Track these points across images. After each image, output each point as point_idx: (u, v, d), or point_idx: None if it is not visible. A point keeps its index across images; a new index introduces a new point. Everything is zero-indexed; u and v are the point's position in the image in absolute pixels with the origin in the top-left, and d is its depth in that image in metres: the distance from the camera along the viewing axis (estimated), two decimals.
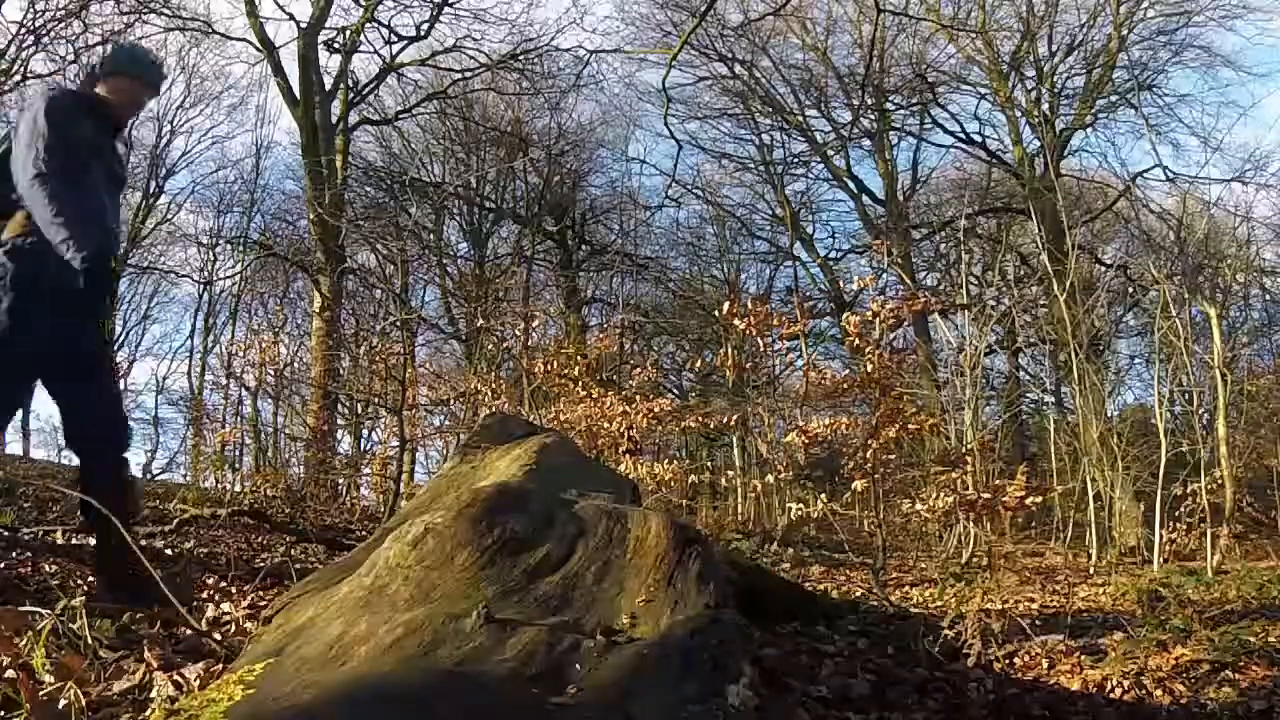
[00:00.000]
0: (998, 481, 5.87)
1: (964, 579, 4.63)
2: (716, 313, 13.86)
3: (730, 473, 10.55)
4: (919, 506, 5.23)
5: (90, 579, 3.58)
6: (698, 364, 12.21)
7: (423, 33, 14.84)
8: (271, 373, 10.29)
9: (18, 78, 14.31)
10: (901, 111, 17.48)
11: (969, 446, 6.80)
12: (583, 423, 7.26)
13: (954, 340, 8.63)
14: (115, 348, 2.86)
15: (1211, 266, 12.18)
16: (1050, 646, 3.55)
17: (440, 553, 1.65)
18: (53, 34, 13.82)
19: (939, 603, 4.51)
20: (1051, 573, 6.61)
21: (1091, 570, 6.60)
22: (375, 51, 15.06)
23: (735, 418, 9.02)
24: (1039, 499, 5.00)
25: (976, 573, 5.20)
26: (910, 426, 5.12)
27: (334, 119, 13.94)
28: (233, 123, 34.09)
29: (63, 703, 1.57)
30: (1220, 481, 6.66)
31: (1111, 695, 3.02)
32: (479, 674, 1.27)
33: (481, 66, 15.41)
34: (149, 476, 13.66)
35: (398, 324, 10.73)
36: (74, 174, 2.86)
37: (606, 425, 7.30)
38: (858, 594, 5.03)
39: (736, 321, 5.86)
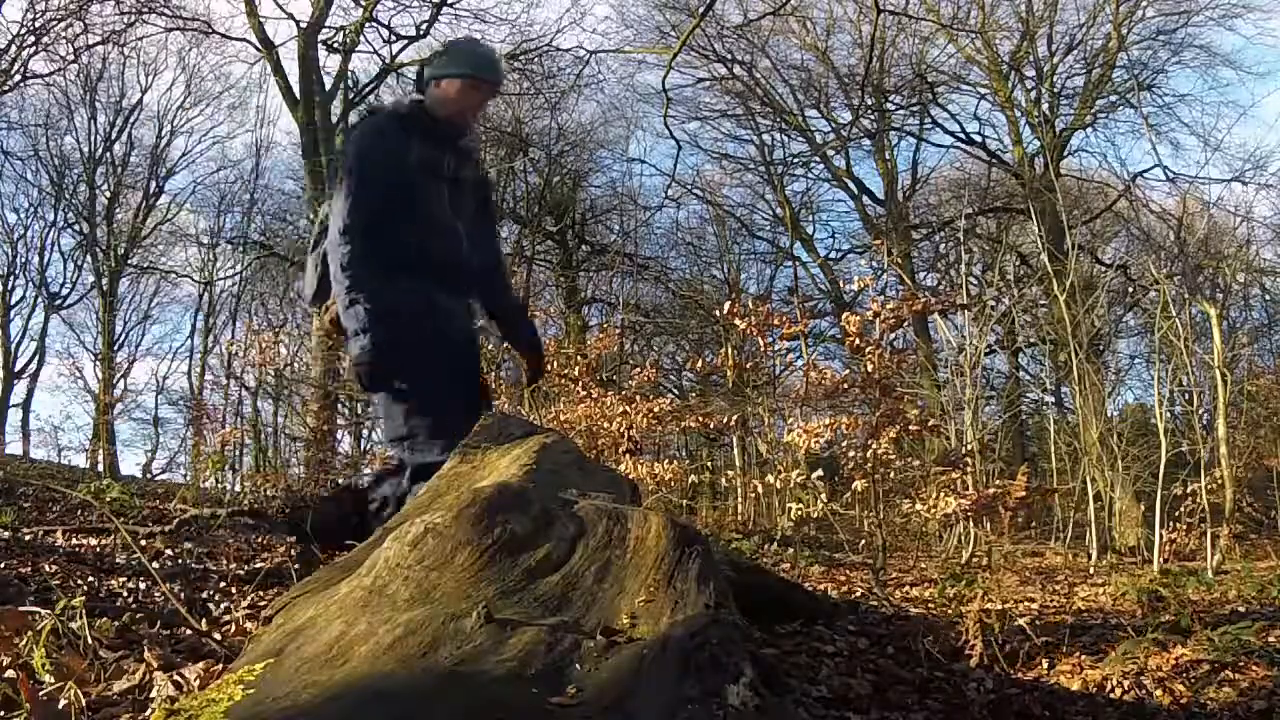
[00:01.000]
0: (998, 481, 5.88)
1: (964, 579, 4.63)
2: (717, 312, 13.87)
3: (730, 473, 10.55)
4: (919, 507, 5.23)
5: (90, 579, 3.59)
6: (698, 364, 12.21)
7: (422, 32, 14.85)
8: (271, 373, 10.29)
9: (18, 78, 14.34)
10: (901, 111, 17.49)
11: (969, 447, 6.80)
12: (583, 423, 7.26)
13: (954, 340, 8.63)
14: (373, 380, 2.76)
15: (1211, 266, 12.18)
16: (1050, 645, 3.55)
17: (440, 553, 1.65)
18: (53, 34, 13.86)
19: (939, 603, 4.51)
20: (1051, 573, 6.61)
21: (1091, 570, 6.60)
22: (375, 51, 15.09)
23: (735, 418, 9.02)
24: (1039, 499, 5.01)
25: (976, 573, 5.20)
26: (911, 428, 5.12)
27: (334, 119, 13.95)
28: (233, 123, 34.00)
29: (63, 703, 1.57)
30: (1220, 481, 6.66)
31: (1111, 695, 3.02)
32: (479, 674, 1.27)
33: None
34: (149, 476, 13.68)
35: None
36: (402, 212, 2.60)
37: (606, 425, 7.30)
38: (858, 594, 5.03)
39: (737, 321, 5.87)
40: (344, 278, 2.55)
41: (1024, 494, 4.83)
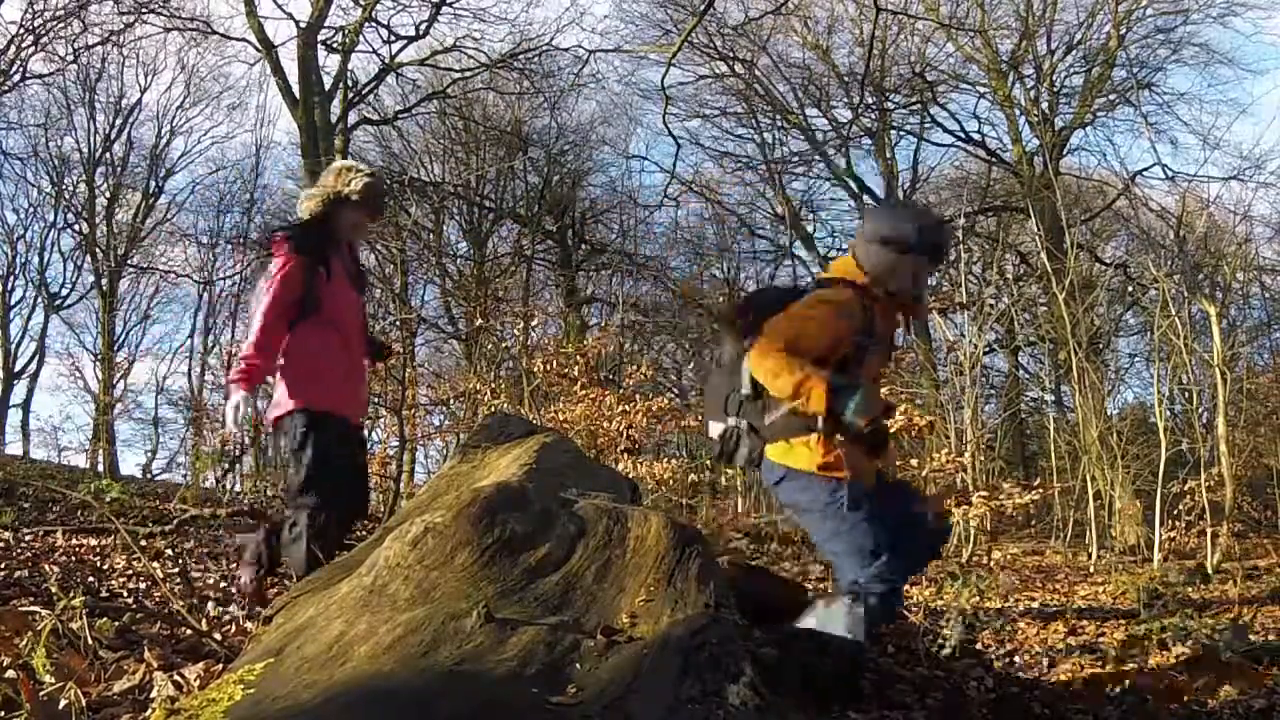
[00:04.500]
0: (994, 482, 5.88)
1: (959, 578, 4.64)
2: (710, 313, 13.84)
3: (730, 472, 10.54)
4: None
5: (89, 579, 3.58)
6: (692, 365, 12.20)
7: (422, 32, 14.85)
8: None
9: (17, 78, 14.34)
10: (901, 110, 17.48)
11: (969, 446, 6.80)
12: (583, 422, 7.26)
13: (953, 339, 8.63)
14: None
15: (1211, 265, 12.18)
16: (1049, 645, 3.55)
17: (440, 552, 1.65)
18: (52, 34, 13.85)
19: (938, 602, 4.51)
20: (1051, 572, 6.61)
21: (1091, 569, 6.60)
22: (374, 51, 15.08)
23: None
24: (1035, 498, 5.00)
25: (972, 570, 5.20)
26: (916, 420, 5.12)
27: (333, 119, 13.94)
28: (232, 123, 34.11)
29: (63, 703, 1.57)
30: (1220, 480, 6.65)
31: (1111, 694, 3.02)
32: (479, 673, 1.27)
33: (481, 66, 15.41)
34: (149, 476, 13.67)
35: (398, 324, 10.73)
36: None
37: (606, 425, 7.30)
38: None
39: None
40: None
41: (1017, 491, 4.82)
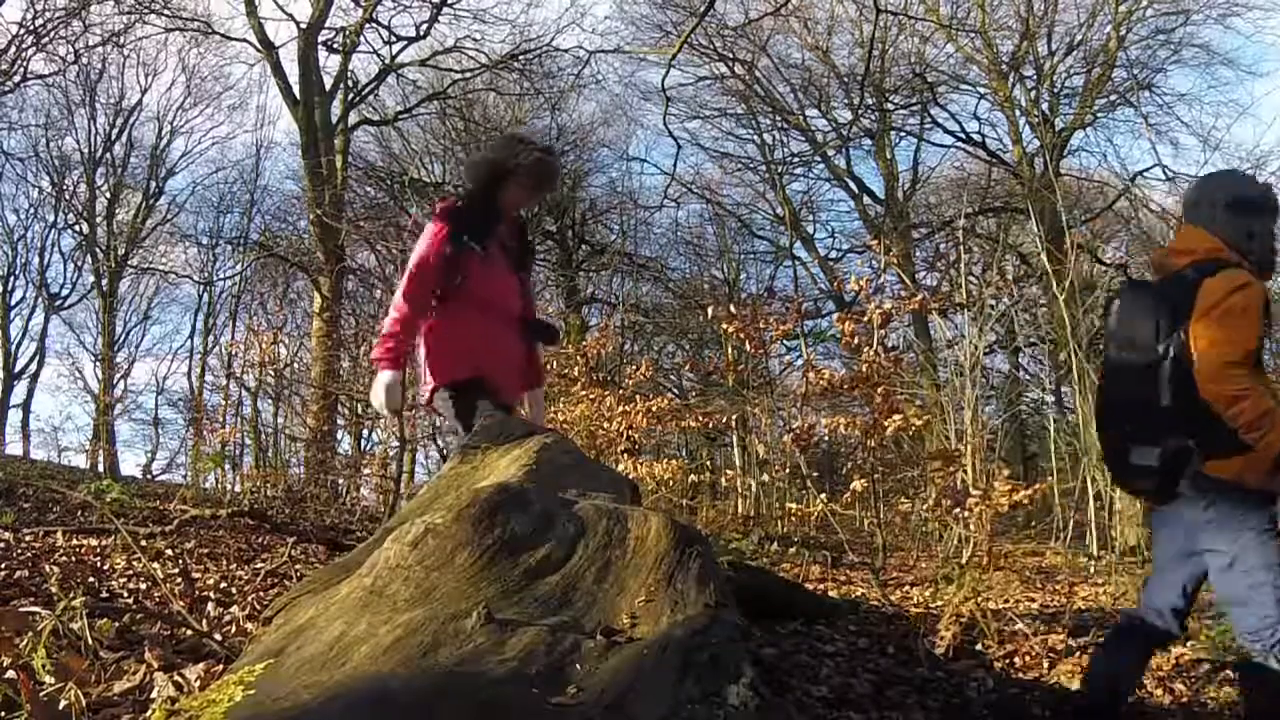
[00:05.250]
0: (989, 482, 5.87)
1: (952, 579, 4.63)
2: (709, 308, 13.82)
3: (730, 472, 10.54)
4: (916, 504, 5.24)
5: (89, 579, 3.58)
6: (690, 365, 12.18)
7: (422, 33, 14.86)
8: (271, 373, 10.29)
9: (18, 78, 14.34)
10: (901, 111, 17.49)
11: (968, 447, 6.79)
12: (583, 423, 7.26)
13: (949, 338, 8.63)
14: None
15: None
16: (1049, 645, 3.55)
17: (440, 553, 1.65)
18: (53, 34, 13.86)
19: (938, 603, 4.51)
20: (1052, 573, 6.61)
21: (1091, 570, 6.60)
22: (375, 52, 15.09)
23: (734, 417, 9.01)
24: (1026, 498, 4.99)
25: (966, 570, 5.20)
26: (913, 420, 5.13)
27: (334, 119, 13.95)
28: (233, 123, 34.21)
29: (63, 703, 1.57)
30: None
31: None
32: (479, 674, 1.27)
33: (481, 67, 15.42)
34: (149, 477, 13.68)
35: None
36: None
37: (606, 425, 7.30)
38: (858, 594, 5.04)
39: (725, 325, 5.88)
40: None
41: (1009, 489, 4.81)
